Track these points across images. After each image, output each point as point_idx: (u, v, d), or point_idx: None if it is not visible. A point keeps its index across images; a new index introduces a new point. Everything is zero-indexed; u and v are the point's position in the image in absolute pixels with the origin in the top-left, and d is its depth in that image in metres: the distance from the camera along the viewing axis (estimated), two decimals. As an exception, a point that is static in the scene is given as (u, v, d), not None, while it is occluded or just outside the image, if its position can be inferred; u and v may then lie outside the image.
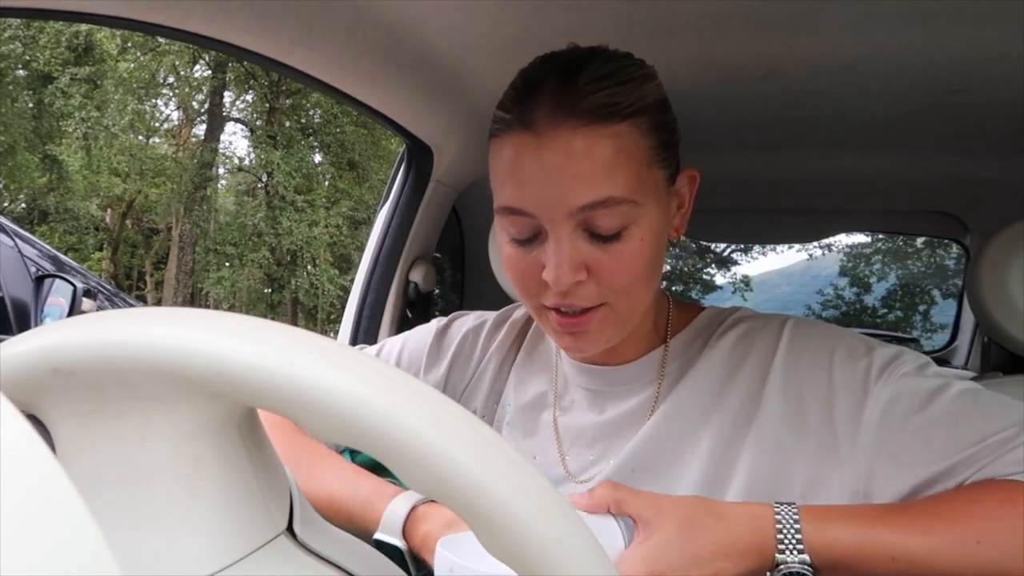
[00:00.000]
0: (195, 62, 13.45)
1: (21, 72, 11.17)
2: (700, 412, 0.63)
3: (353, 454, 0.76)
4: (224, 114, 14.07)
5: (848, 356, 0.60)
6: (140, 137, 13.88)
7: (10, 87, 11.00)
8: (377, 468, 0.72)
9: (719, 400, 0.63)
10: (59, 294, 2.40)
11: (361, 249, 1.48)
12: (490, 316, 0.82)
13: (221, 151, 14.19)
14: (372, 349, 0.85)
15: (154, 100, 14.23)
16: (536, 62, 0.61)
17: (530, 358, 0.76)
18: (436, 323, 0.82)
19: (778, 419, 0.60)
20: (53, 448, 0.32)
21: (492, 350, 0.78)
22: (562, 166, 0.55)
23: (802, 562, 0.49)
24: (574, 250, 0.57)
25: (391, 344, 0.84)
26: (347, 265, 13.57)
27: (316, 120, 14.16)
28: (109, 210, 14.06)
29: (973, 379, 1.06)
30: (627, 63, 0.59)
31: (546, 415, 0.72)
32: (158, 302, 13.35)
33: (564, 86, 0.56)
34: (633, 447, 0.64)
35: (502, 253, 0.62)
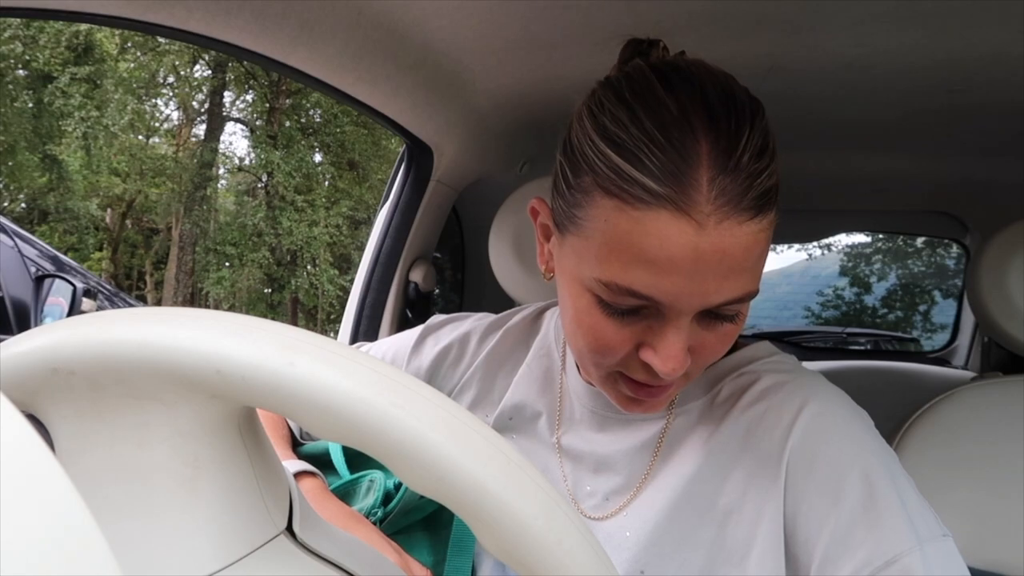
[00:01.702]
0: (195, 62, 13.45)
1: (21, 72, 11.16)
2: (718, 470, 0.59)
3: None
4: (224, 114, 14.06)
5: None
6: (140, 137, 13.87)
7: (10, 87, 11.00)
8: (316, 461, 0.72)
9: (735, 462, 0.58)
10: (59, 294, 2.40)
11: (361, 249, 1.48)
12: (475, 324, 0.77)
13: (221, 151, 14.19)
14: (364, 348, 0.85)
15: (154, 100, 14.24)
16: (669, 96, 0.49)
17: (532, 372, 0.72)
18: (415, 332, 0.79)
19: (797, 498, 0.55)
20: (53, 448, 0.32)
21: (481, 359, 0.74)
22: (717, 263, 0.47)
23: None
24: (688, 334, 0.51)
25: (375, 349, 0.83)
26: (347, 265, 13.57)
27: (316, 120, 14.15)
28: (109, 210, 14.06)
29: (973, 379, 1.06)
30: (758, 110, 0.51)
31: (547, 433, 0.69)
32: (158, 302, 13.34)
33: (726, 164, 0.47)
34: (654, 507, 0.60)
35: (582, 315, 0.54)
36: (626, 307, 0.51)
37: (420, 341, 0.78)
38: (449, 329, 0.78)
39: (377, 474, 0.70)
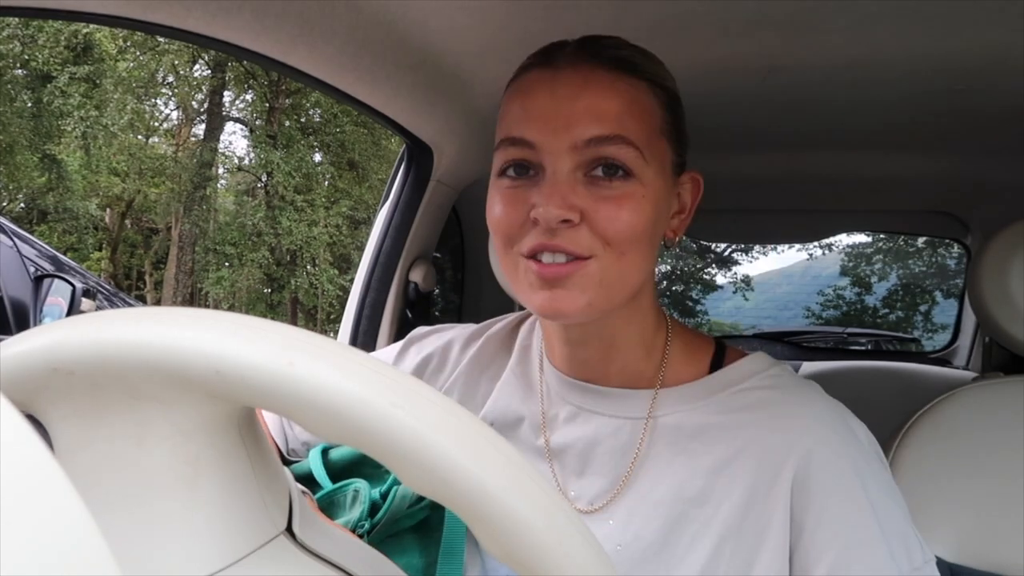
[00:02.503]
0: (195, 62, 13.45)
1: (20, 71, 11.16)
2: (695, 491, 0.58)
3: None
4: (224, 114, 14.07)
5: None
6: (139, 137, 13.87)
7: (9, 86, 11.00)
8: (351, 468, 0.71)
9: (729, 475, 0.58)
10: (58, 294, 2.39)
11: (361, 249, 1.48)
12: (458, 333, 0.78)
13: (221, 151, 14.19)
14: None
15: (153, 100, 14.24)
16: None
17: (515, 376, 0.72)
18: (400, 343, 0.80)
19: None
20: (52, 448, 0.32)
21: (463, 366, 0.74)
22: (575, 97, 0.55)
23: None
24: (570, 187, 0.55)
25: None
26: (347, 265, 13.57)
27: (316, 120, 14.15)
28: (108, 210, 14.06)
29: (974, 379, 1.06)
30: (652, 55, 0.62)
31: (532, 436, 0.68)
32: (157, 302, 13.34)
33: (588, 41, 0.59)
34: (643, 517, 0.60)
35: (489, 200, 0.61)
36: (515, 161, 0.58)
37: (403, 350, 0.79)
38: (433, 339, 0.79)
39: (361, 483, 0.68)
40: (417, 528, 0.70)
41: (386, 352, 0.81)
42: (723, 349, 0.66)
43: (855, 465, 0.56)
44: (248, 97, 14.40)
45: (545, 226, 0.55)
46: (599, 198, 0.55)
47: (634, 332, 0.63)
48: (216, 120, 13.81)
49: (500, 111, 0.61)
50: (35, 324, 2.39)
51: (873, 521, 0.54)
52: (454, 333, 0.78)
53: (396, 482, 0.66)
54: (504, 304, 1.32)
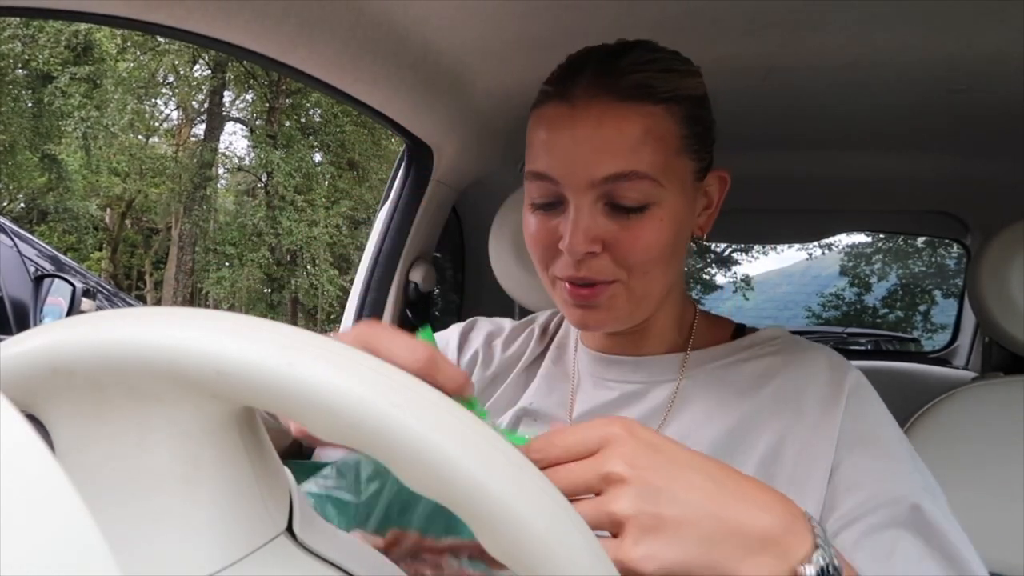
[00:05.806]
0: (195, 62, 13.43)
1: (20, 71, 11.15)
2: (716, 427, 0.61)
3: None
4: (224, 114, 14.05)
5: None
6: (140, 137, 13.86)
7: (9, 86, 10.99)
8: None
9: (741, 416, 0.61)
10: (58, 294, 2.39)
11: (361, 249, 1.48)
12: (508, 321, 0.83)
13: (221, 151, 14.18)
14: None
15: (154, 100, 14.22)
16: (583, 49, 0.63)
17: (553, 364, 0.75)
18: (458, 325, 0.83)
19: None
20: (52, 448, 0.32)
21: (511, 353, 0.78)
22: (591, 137, 0.57)
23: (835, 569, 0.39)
24: (592, 222, 0.58)
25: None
26: (347, 265, 13.56)
27: (316, 120, 14.14)
28: (108, 210, 14.05)
29: (974, 379, 1.06)
30: (672, 55, 0.62)
31: (564, 416, 0.70)
32: (158, 302, 13.34)
33: (605, 67, 0.58)
34: None
35: (524, 221, 0.64)
36: (541, 198, 0.61)
37: (462, 338, 0.81)
38: (481, 325, 0.82)
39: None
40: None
41: (450, 332, 0.83)
42: (743, 326, 0.72)
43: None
44: (248, 97, 14.40)
45: (570, 257, 0.59)
46: (620, 227, 0.58)
47: (666, 316, 0.68)
48: (216, 120, 13.80)
49: (527, 136, 0.63)
50: (35, 324, 2.39)
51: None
52: (504, 323, 0.83)
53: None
54: (504, 304, 1.32)
